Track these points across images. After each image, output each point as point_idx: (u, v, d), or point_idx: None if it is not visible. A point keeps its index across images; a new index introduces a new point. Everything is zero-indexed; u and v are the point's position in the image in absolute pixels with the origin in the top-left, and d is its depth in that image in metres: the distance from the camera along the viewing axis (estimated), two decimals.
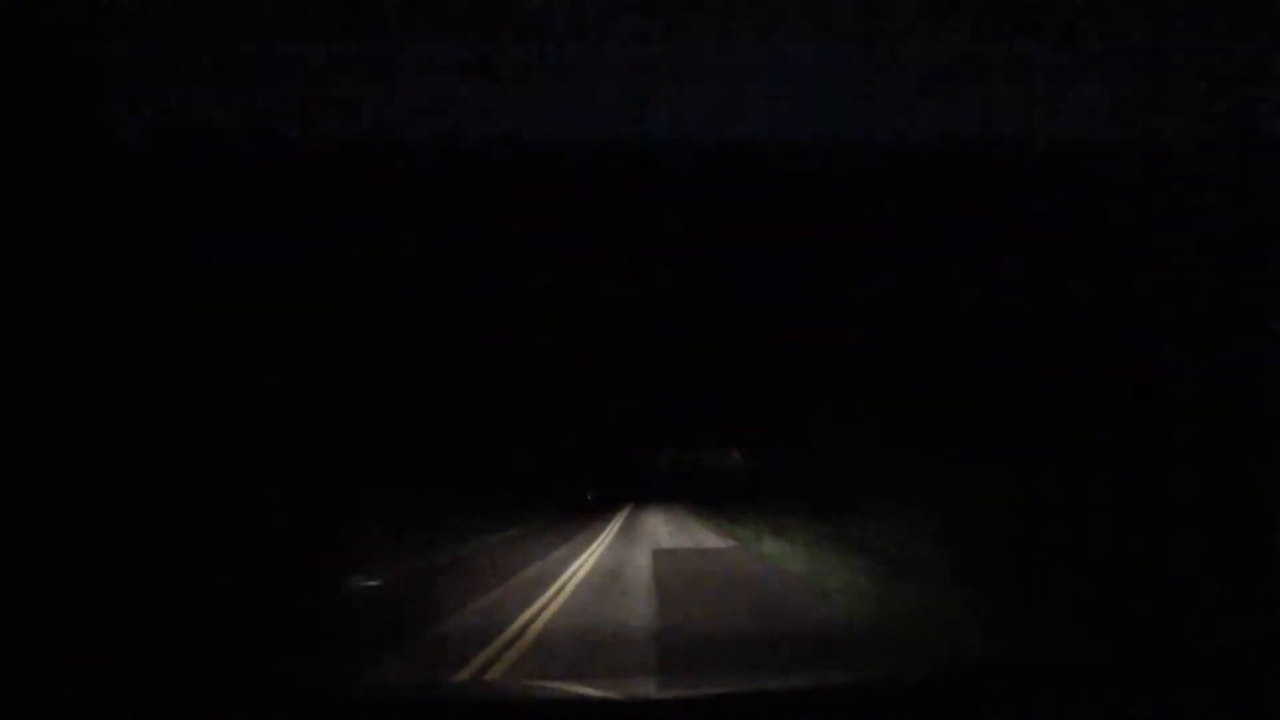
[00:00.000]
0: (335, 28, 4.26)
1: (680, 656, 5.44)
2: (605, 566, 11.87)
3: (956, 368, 7.69)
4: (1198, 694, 1.89)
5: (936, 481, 8.79)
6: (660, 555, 13.77)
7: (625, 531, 21.71)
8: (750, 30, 4.29)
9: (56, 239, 5.52)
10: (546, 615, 7.40)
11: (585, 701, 2.38)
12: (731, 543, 16.76)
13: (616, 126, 4.52)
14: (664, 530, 22.30)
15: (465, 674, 5.06)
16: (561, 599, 8.48)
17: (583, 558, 13.28)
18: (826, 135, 4.60)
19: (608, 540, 17.87)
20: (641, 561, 12.67)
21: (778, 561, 12.05)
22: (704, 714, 2.10)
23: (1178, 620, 4.89)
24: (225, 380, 7.91)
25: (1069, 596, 5.86)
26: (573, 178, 5.79)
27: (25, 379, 5.48)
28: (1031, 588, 6.31)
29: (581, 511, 33.20)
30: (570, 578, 10.47)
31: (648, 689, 2.95)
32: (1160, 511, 5.08)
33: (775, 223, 6.54)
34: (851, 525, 13.25)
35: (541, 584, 9.70)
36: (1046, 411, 6.38)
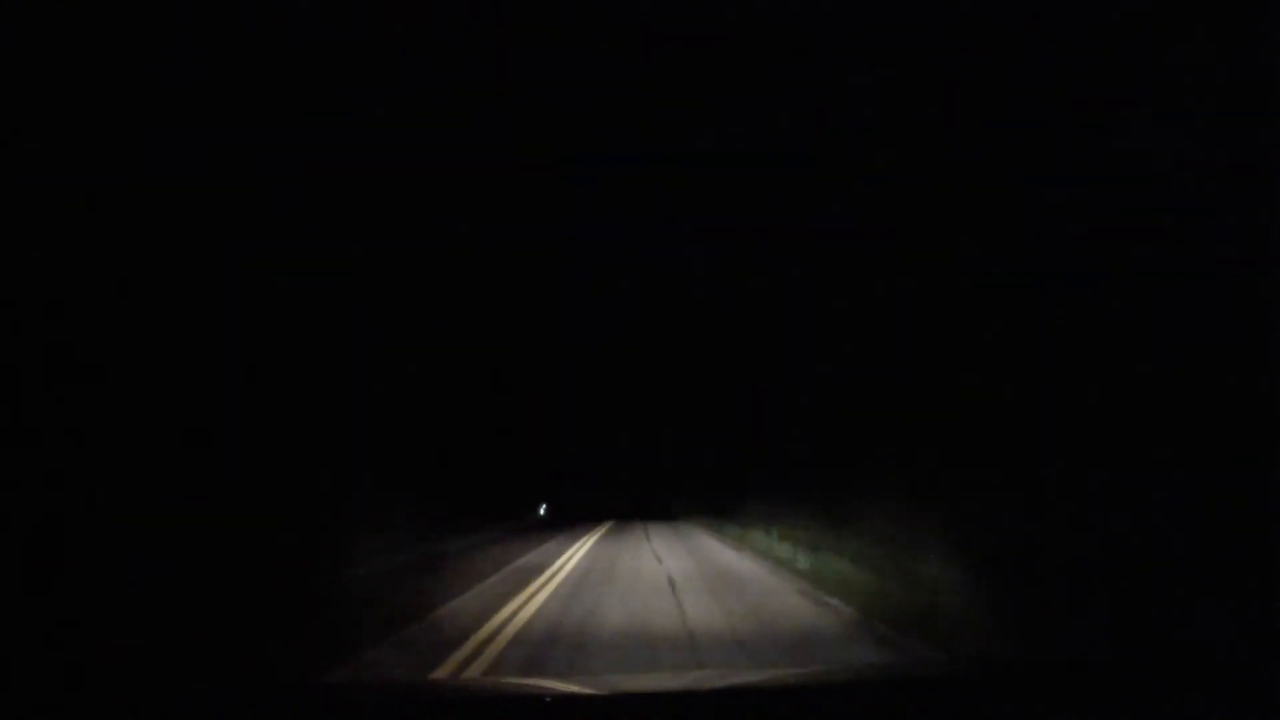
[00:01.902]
0: None
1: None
2: None
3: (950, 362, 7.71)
4: (1196, 694, 1.86)
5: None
6: None
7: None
8: None
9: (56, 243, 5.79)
10: None
11: (569, 698, 2.28)
12: None
13: None
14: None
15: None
16: None
17: None
18: None
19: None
20: None
21: None
22: (688, 708, 2.02)
23: (1178, 621, 4.79)
24: (212, 380, 8.45)
25: (1067, 596, 5.77)
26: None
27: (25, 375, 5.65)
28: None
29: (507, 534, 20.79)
30: None
31: (631, 684, 2.84)
32: (1159, 511, 5.04)
33: None
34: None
35: None
36: (1044, 413, 6.40)
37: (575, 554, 14.68)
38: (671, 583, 9.85)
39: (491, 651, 5.76)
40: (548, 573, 11.11)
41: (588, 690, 2.47)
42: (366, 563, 11.80)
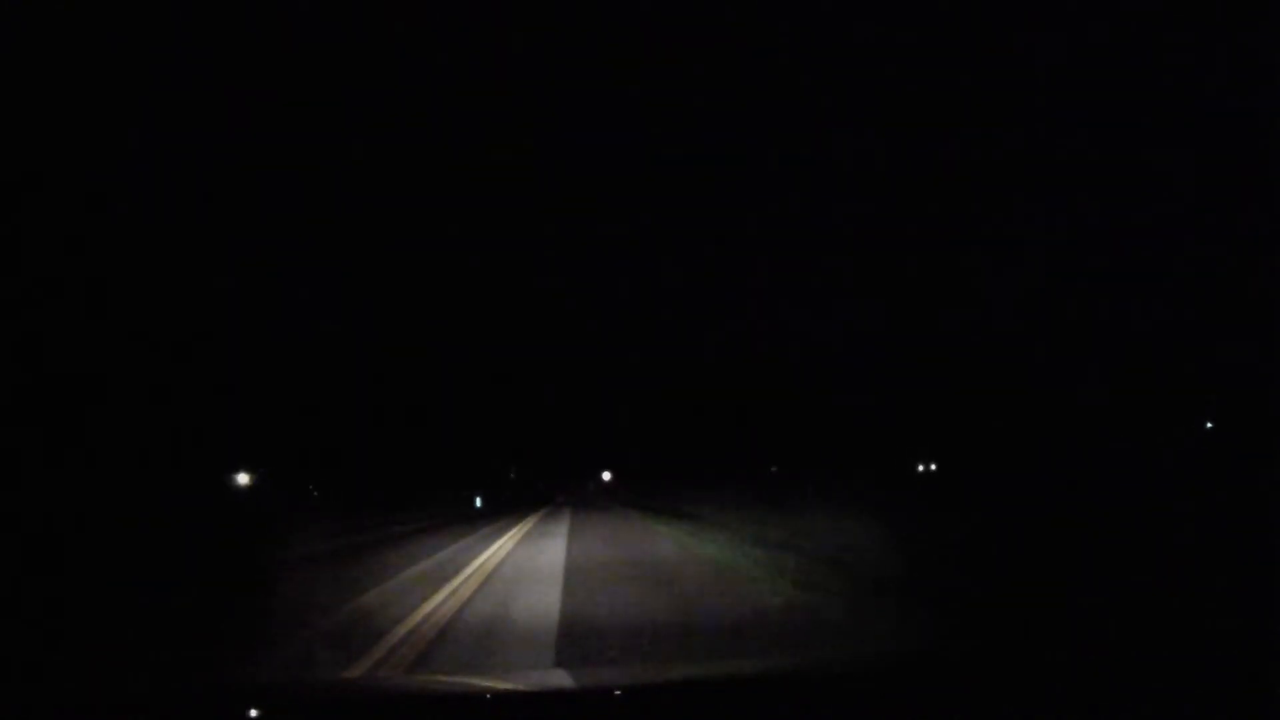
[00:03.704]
0: None
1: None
2: None
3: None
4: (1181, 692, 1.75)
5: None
6: None
7: None
8: None
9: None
10: None
11: (487, 695, 2.19)
12: None
13: None
14: None
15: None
16: None
17: None
18: None
19: None
20: None
21: None
22: (616, 704, 1.96)
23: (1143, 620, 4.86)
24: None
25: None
26: None
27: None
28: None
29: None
30: None
31: (554, 681, 2.72)
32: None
33: None
34: None
35: None
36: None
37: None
38: None
39: None
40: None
41: (519, 686, 2.45)
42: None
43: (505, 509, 29.66)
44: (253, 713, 1.91)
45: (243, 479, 29.98)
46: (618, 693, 2.15)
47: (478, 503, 32.14)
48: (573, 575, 8.47)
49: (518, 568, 9.47)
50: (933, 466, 42.09)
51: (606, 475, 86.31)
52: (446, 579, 8.38)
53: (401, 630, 5.66)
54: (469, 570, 9.11)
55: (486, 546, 12.40)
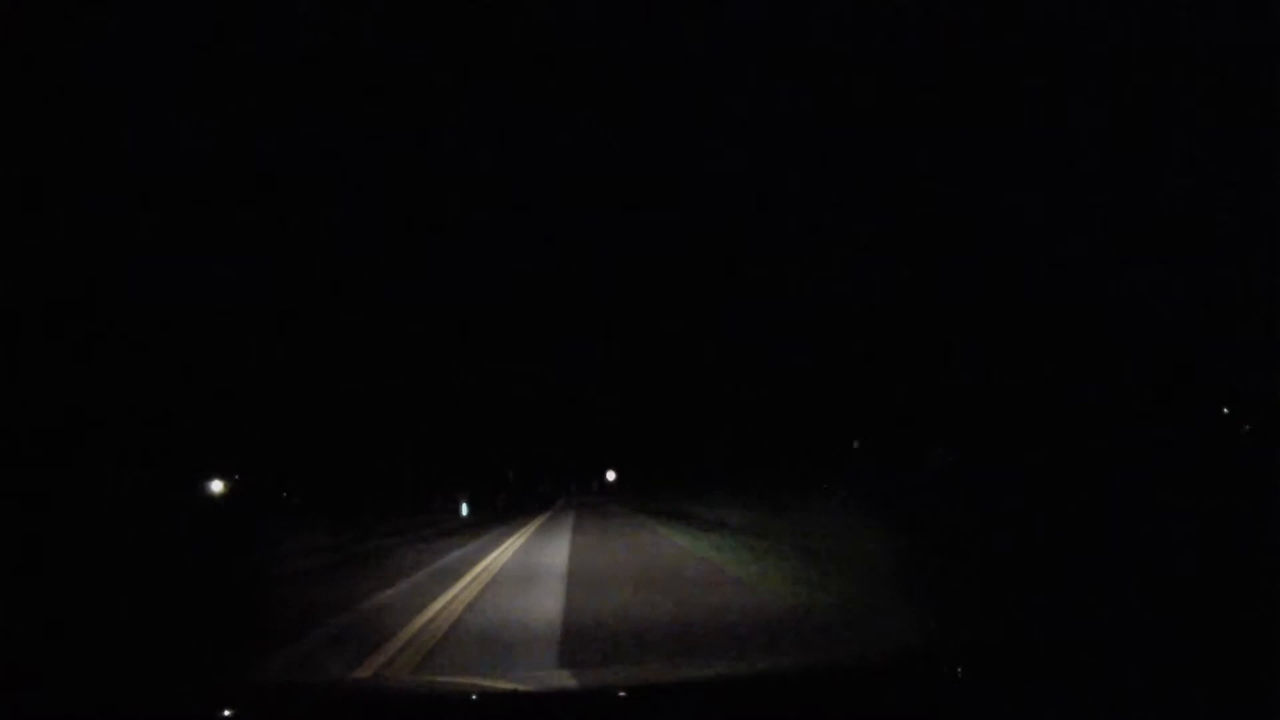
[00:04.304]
0: None
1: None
2: None
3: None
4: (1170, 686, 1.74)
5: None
6: None
7: None
8: None
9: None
10: None
11: (492, 695, 2.18)
12: None
13: None
14: None
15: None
16: None
17: None
18: None
19: None
20: None
21: None
22: (623, 705, 1.97)
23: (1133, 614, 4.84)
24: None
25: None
26: None
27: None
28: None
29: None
30: None
31: (559, 681, 2.72)
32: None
33: None
34: None
35: None
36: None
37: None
38: None
39: None
40: None
41: (521, 687, 2.38)
42: None
43: (497, 518, 28.88)
44: (254, 713, 1.89)
45: (217, 486, 29.36)
46: (622, 693, 2.14)
47: (464, 511, 31.35)
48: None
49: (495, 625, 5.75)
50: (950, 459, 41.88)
51: (610, 475, 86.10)
52: None
53: None
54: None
55: (446, 588, 8.02)
